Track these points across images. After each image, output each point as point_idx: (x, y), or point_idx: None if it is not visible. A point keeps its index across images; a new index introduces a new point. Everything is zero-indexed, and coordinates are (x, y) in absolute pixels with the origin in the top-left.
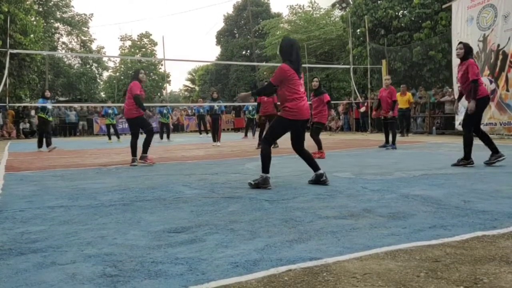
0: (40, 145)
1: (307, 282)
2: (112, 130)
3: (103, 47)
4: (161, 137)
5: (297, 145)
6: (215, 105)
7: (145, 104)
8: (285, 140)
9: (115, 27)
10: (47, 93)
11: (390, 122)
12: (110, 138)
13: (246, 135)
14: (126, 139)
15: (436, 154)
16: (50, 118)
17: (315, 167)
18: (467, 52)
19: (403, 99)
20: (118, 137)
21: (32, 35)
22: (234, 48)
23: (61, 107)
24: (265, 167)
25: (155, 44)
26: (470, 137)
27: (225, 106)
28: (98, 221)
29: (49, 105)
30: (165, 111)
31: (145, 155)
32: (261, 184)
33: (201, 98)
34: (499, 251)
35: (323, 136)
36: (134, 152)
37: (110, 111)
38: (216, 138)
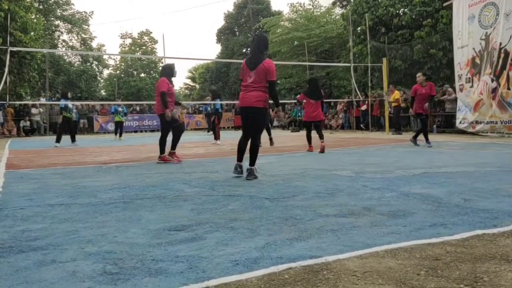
0: (58, 140)
1: (307, 280)
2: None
3: (103, 45)
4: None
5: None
6: (212, 103)
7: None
8: (284, 138)
9: (115, 25)
10: (69, 94)
11: (423, 118)
12: (116, 135)
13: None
14: (128, 137)
15: (437, 152)
16: (72, 115)
17: (251, 161)
18: None
19: (393, 98)
20: (120, 136)
21: (32, 33)
22: (235, 46)
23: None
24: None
25: (156, 42)
26: None
27: (226, 104)
28: (99, 219)
29: (69, 104)
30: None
31: (174, 151)
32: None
33: (208, 96)
34: (499, 250)
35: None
36: (162, 149)
37: (120, 109)
38: (215, 136)
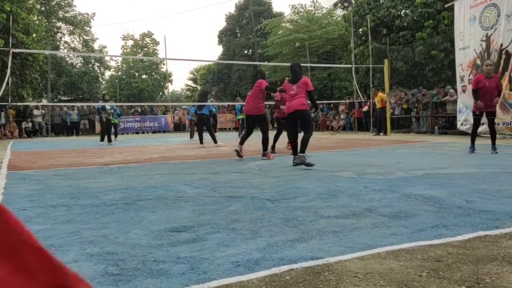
0: (102, 139)
1: (309, 281)
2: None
3: (105, 47)
4: (192, 136)
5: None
6: (211, 104)
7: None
8: (285, 139)
9: (117, 27)
10: (107, 97)
11: (491, 118)
12: (115, 137)
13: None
14: (130, 138)
15: (439, 154)
16: (111, 118)
17: (300, 150)
18: None
19: (377, 100)
20: (116, 137)
21: (34, 35)
22: (236, 47)
23: (63, 107)
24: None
25: (157, 43)
26: None
27: (228, 106)
28: (100, 220)
29: (107, 106)
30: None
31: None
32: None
33: (212, 98)
34: (501, 251)
35: (324, 135)
36: (265, 147)
37: (112, 111)
38: (201, 139)
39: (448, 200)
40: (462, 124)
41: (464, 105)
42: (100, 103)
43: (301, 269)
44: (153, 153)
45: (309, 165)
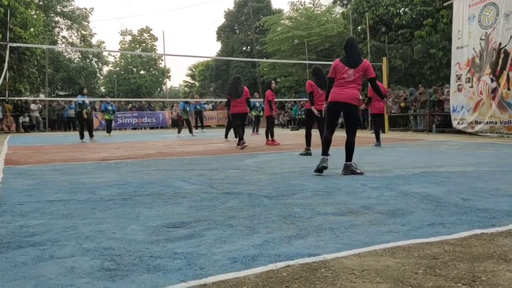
0: (82, 136)
1: (305, 278)
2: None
3: (103, 42)
4: (191, 132)
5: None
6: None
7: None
8: (283, 136)
9: (115, 22)
10: (85, 91)
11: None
12: (107, 132)
13: (254, 130)
14: (127, 134)
15: (436, 152)
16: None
17: (347, 156)
18: None
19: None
20: (109, 132)
21: (32, 29)
22: (235, 44)
23: (60, 102)
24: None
25: (155, 39)
26: None
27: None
28: (97, 216)
29: (86, 100)
30: (188, 108)
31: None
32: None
33: (197, 95)
34: (498, 249)
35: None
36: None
37: (109, 107)
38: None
39: (445, 198)
40: (458, 123)
41: (458, 104)
42: (79, 98)
43: (297, 265)
44: (151, 149)
45: (360, 173)
